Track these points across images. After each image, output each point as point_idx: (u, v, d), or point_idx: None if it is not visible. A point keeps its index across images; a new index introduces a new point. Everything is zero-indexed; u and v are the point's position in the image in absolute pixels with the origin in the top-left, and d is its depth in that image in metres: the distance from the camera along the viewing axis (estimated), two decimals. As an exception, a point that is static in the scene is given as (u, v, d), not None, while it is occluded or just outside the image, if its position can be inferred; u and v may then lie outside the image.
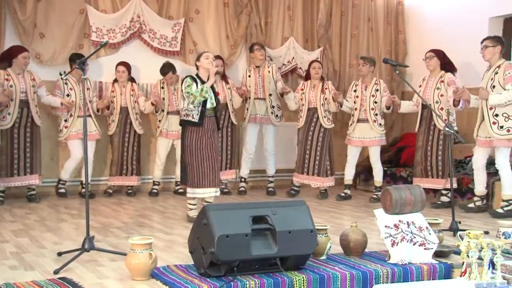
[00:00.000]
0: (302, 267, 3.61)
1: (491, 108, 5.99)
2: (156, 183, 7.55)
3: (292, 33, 8.43)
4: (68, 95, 6.93)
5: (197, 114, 5.36)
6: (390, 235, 3.85)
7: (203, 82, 5.40)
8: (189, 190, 5.47)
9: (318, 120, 7.22)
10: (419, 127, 6.90)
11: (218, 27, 8.12)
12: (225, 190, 7.54)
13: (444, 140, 6.70)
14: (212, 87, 5.45)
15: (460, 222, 4.88)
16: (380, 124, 7.17)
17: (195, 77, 5.44)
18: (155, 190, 7.49)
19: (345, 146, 7.70)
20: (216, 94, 5.47)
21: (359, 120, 7.18)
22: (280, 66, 8.28)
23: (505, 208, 6.05)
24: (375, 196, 7.21)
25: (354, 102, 7.23)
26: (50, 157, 7.38)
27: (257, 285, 3.36)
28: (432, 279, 3.75)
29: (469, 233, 3.61)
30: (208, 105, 5.40)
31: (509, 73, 5.89)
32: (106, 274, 3.57)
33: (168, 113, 7.40)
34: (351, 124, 7.29)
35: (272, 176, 7.83)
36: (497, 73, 5.98)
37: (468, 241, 3.51)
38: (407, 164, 7.75)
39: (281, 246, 3.44)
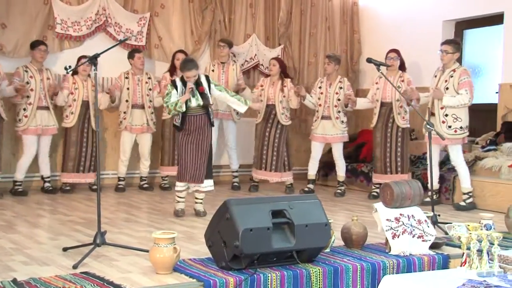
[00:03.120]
0: (314, 259, 3.75)
1: (442, 108, 6.29)
2: (121, 178, 7.48)
3: (254, 30, 8.56)
4: (27, 83, 6.75)
5: (179, 119, 5.47)
6: (391, 228, 4.06)
7: (185, 85, 5.44)
8: (176, 183, 5.56)
9: (276, 116, 7.34)
10: (376, 123, 7.12)
11: (183, 23, 8.14)
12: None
13: (403, 136, 7.01)
14: (196, 83, 5.47)
15: (439, 215, 5.17)
16: (342, 122, 7.33)
17: (179, 80, 5.49)
18: (121, 186, 7.42)
19: (304, 142, 7.92)
20: (201, 91, 5.48)
21: (322, 117, 7.32)
22: (243, 62, 8.39)
23: (467, 201, 6.42)
24: (339, 191, 7.44)
25: (319, 99, 7.35)
26: (12, 153, 7.17)
27: (278, 277, 3.48)
28: (432, 270, 3.99)
29: (468, 225, 3.87)
30: (194, 104, 5.43)
31: (465, 78, 6.23)
32: (126, 269, 3.59)
33: (132, 106, 7.32)
34: (315, 120, 7.42)
35: (237, 171, 7.94)
36: (452, 76, 6.29)
37: (470, 233, 3.76)
38: (366, 160, 8.05)
39: (299, 239, 3.58)
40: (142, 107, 7.34)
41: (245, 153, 8.18)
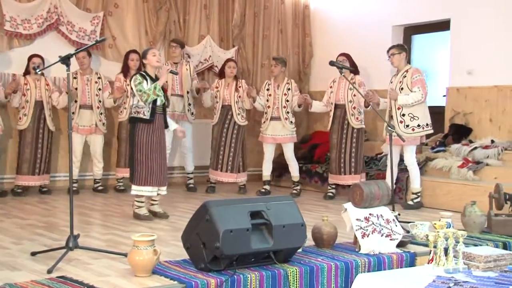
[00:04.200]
0: (289, 259, 3.80)
1: (399, 108, 6.49)
2: (74, 180, 7.31)
3: (208, 32, 8.56)
4: None
5: (148, 111, 5.32)
6: (361, 227, 4.16)
7: (152, 79, 5.39)
8: (135, 187, 5.40)
9: (232, 117, 7.41)
10: (331, 125, 7.26)
11: (138, 22, 8.05)
12: None
13: (357, 137, 7.16)
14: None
15: (399, 214, 5.32)
16: (291, 122, 7.41)
17: (144, 74, 5.40)
18: (74, 188, 7.24)
19: (258, 143, 7.95)
20: (164, 92, 5.46)
21: (272, 118, 7.38)
22: (197, 64, 8.37)
23: (415, 201, 6.65)
24: (295, 191, 7.51)
25: (267, 100, 7.43)
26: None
27: (257, 278, 3.51)
28: (400, 267, 4.11)
29: (435, 224, 4.02)
30: (158, 102, 5.39)
31: (416, 76, 6.48)
32: (103, 272, 3.53)
33: (80, 107, 7.17)
34: (264, 122, 7.48)
35: (192, 173, 7.92)
36: (405, 76, 6.53)
37: (438, 231, 3.90)
38: (320, 160, 8.19)
39: (276, 239, 3.62)
40: (91, 107, 7.20)
41: (201, 154, 8.16)
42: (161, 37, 8.19)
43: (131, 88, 5.39)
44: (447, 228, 4.77)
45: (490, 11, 7.32)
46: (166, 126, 5.58)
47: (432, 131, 6.73)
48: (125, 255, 3.85)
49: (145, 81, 5.33)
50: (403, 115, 6.50)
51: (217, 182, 7.69)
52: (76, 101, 7.16)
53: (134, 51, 7.40)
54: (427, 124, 6.54)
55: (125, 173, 7.32)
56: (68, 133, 4.10)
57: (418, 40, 8.42)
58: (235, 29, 8.73)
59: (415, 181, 6.67)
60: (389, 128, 5.22)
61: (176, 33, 8.25)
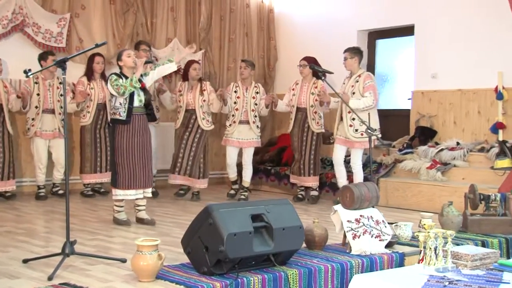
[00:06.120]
0: (287, 262, 3.84)
1: (349, 112, 6.49)
2: (41, 186, 7.13)
3: (175, 34, 8.52)
4: None
5: (124, 112, 5.23)
6: (352, 229, 4.24)
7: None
8: (118, 192, 5.31)
9: (196, 121, 7.14)
10: (292, 128, 7.28)
11: (105, 25, 7.94)
12: None
13: (317, 141, 7.22)
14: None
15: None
16: (258, 126, 7.35)
17: (120, 74, 5.33)
18: (42, 194, 7.07)
19: (225, 146, 7.82)
20: (142, 86, 5.34)
21: (240, 122, 7.24)
22: (165, 66, 8.29)
23: None
24: (243, 196, 7.34)
25: (235, 103, 7.26)
26: None
27: (260, 280, 3.53)
28: (390, 267, 4.21)
29: (424, 224, 4.13)
30: (136, 103, 5.31)
31: (368, 82, 6.52)
32: (105, 278, 3.48)
33: (42, 111, 6.99)
34: (230, 125, 7.30)
35: (154, 176, 7.80)
36: (358, 81, 6.56)
37: (428, 232, 4.01)
38: (288, 163, 8.25)
39: (277, 242, 3.65)
40: (53, 112, 7.04)
41: (164, 158, 8.07)
42: (128, 39, 8.09)
43: (109, 89, 5.30)
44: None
45: (452, 17, 7.57)
46: (154, 119, 5.45)
47: (380, 135, 6.73)
48: (123, 260, 3.81)
49: (120, 79, 5.26)
50: (353, 119, 6.46)
51: (173, 186, 7.43)
52: (37, 107, 6.97)
53: (99, 54, 7.27)
54: (375, 130, 6.56)
55: (91, 179, 7.24)
56: (64, 137, 3.98)
57: (383, 44, 8.61)
58: (201, 32, 8.72)
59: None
60: (369, 131, 5.32)
61: (144, 36, 8.18)
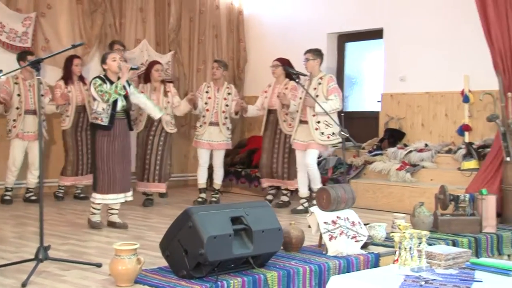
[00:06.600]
0: (265, 264, 3.83)
1: (314, 115, 6.41)
2: (8, 189, 6.96)
3: (145, 35, 8.43)
4: None
5: (107, 117, 5.18)
6: (328, 230, 4.25)
7: (112, 84, 5.25)
8: (97, 196, 5.24)
9: (160, 124, 6.88)
10: (264, 130, 7.21)
11: (72, 25, 7.81)
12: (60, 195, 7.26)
13: (290, 144, 6.97)
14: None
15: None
16: (228, 128, 7.26)
17: (104, 78, 5.26)
18: (8, 197, 6.90)
19: (193, 148, 7.68)
20: (126, 94, 5.31)
21: (210, 123, 7.13)
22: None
23: (304, 205, 6.65)
24: (214, 199, 7.28)
25: (206, 103, 7.14)
26: None
27: (240, 283, 3.51)
28: (366, 268, 4.24)
29: (400, 225, 4.18)
30: (119, 108, 5.26)
31: (332, 85, 6.42)
32: (81, 283, 3.42)
33: (24, 112, 6.84)
34: (201, 126, 7.17)
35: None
36: (321, 83, 6.45)
37: (404, 232, 4.05)
38: (258, 165, 8.22)
39: (256, 244, 3.64)
40: (34, 113, 6.89)
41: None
42: (96, 40, 7.98)
43: (92, 93, 5.24)
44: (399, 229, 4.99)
45: (420, 21, 7.69)
46: (131, 129, 5.46)
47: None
48: (98, 265, 3.75)
49: (105, 85, 5.19)
50: (318, 122, 6.37)
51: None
52: (18, 108, 6.82)
53: (78, 56, 7.19)
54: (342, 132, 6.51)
55: (69, 181, 7.13)
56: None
57: (352, 47, 8.69)
58: (171, 33, 8.65)
59: (317, 182, 6.49)
60: (342, 133, 5.36)
61: (112, 37, 8.06)
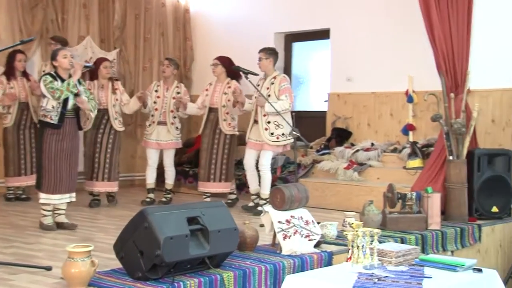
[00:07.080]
0: (221, 264, 3.80)
1: (265, 115, 6.37)
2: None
3: (88, 32, 8.23)
4: None
5: (56, 116, 5.03)
6: (282, 229, 4.25)
7: (63, 81, 5.09)
8: (42, 195, 5.10)
9: (109, 122, 6.77)
10: (203, 129, 7.06)
11: (11, 20, 7.53)
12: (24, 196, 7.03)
13: (230, 143, 6.99)
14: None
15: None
16: (177, 128, 7.17)
17: (54, 75, 5.09)
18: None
19: (141, 148, 7.57)
20: (78, 92, 5.16)
21: (158, 123, 7.04)
22: (78, 65, 8.00)
23: (255, 201, 6.62)
24: (164, 199, 7.16)
25: (155, 102, 7.04)
26: None
27: (196, 284, 3.46)
28: (320, 267, 4.26)
29: (352, 224, 4.22)
30: (69, 106, 5.11)
31: (284, 85, 6.39)
32: (32, 287, 3.28)
33: None
34: (149, 125, 7.08)
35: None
36: (273, 83, 6.42)
37: (357, 230, 4.10)
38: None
39: (212, 244, 3.60)
40: None
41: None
42: (37, 36, 7.70)
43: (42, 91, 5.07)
44: (350, 227, 5.06)
45: (366, 22, 7.80)
46: (80, 129, 5.32)
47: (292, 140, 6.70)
48: (48, 268, 3.62)
49: (56, 82, 5.03)
50: (269, 122, 6.31)
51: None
52: None
53: (21, 52, 6.93)
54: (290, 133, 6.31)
55: (15, 182, 6.87)
56: None
57: (299, 47, 8.75)
58: (116, 30, 8.48)
59: (266, 187, 6.41)
60: (294, 133, 5.38)
61: (55, 33, 7.80)
